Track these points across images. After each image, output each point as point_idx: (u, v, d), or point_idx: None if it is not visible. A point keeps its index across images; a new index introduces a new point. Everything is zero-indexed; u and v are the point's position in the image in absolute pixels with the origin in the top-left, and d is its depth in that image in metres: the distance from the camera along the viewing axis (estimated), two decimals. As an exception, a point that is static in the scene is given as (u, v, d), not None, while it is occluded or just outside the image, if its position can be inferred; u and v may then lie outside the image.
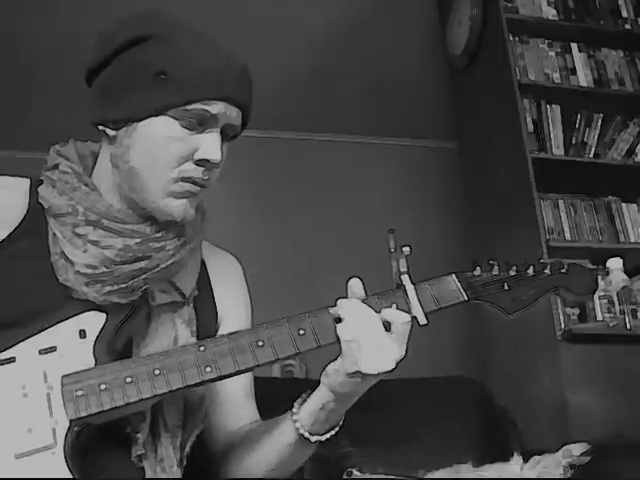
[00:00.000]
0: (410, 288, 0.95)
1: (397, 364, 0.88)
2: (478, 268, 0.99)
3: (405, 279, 0.95)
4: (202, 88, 0.91)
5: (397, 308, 0.93)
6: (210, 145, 0.93)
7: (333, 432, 0.96)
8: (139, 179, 0.93)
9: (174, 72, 0.91)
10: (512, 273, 0.99)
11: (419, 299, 0.94)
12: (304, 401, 0.96)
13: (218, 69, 0.93)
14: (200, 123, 0.92)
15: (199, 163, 0.94)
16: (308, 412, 0.94)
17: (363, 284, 0.95)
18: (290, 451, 0.97)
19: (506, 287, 0.98)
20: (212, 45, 0.95)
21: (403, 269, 0.96)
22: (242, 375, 1.01)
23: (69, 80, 3.19)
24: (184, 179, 0.93)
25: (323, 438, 0.95)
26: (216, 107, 0.92)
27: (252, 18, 3.05)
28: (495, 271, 0.99)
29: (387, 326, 0.90)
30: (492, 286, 0.98)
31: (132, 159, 0.93)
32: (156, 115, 0.92)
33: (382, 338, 0.89)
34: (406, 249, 0.96)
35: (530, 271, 0.99)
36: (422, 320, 0.93)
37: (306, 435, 0.94)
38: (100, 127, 0.96)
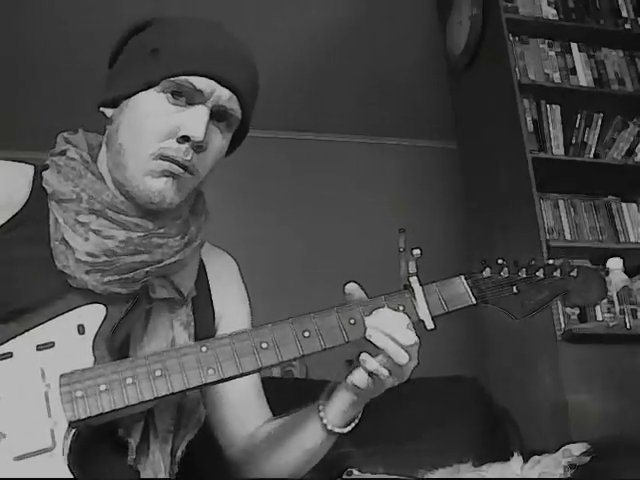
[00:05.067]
0: (418, 291, 0.92)
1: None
2: (488, 269, 0.96)
3: (414, 281, 0.93)
4: (188, 61, 0.90)
5: (404, 311, 0.91)
6: (193, 121, 0.90)
7: (356, 421, 0.96)
8: (124, 156, 0.92)
9: (165, 47, 0.91)
10: (522, 275, 0.96)
11: (427, 302, 0.92)
12: (328, 398, 0.95)
13: (210, 46, 0.92)
14: (188, 99, 0.91)
15: (180, 140, 0.90)
16: (335, 411, 0.94)
17: (360, 287, 0.93)
18: (317, 447, 0.97)
19: (515, 290, 0.95)
20: (213, 28, 0.95)
21: (412, 271, 0.93)
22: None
23: (70, 80, 3.21)
24: (163, 157, 0.90)
25: (349, 428, 0.96)
26: (202, 82, 0.90)
27: (252, 19, 3.04)
28: (504, 273, 0.96)
29: None
30: (501, 289, 0.95)
31: (121, 136, 0.93)
32: (145, 89, 0.91)
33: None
34: (417, 252, 0.93)
35: (540, 274, 0.97)
36: (429, 325, 0.91)
37: (335, 430, 0.94)
38: (101, 109, 0.96)
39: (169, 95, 0.91)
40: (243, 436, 1.05)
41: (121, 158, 0.93)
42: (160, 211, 0.94)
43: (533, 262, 0.98)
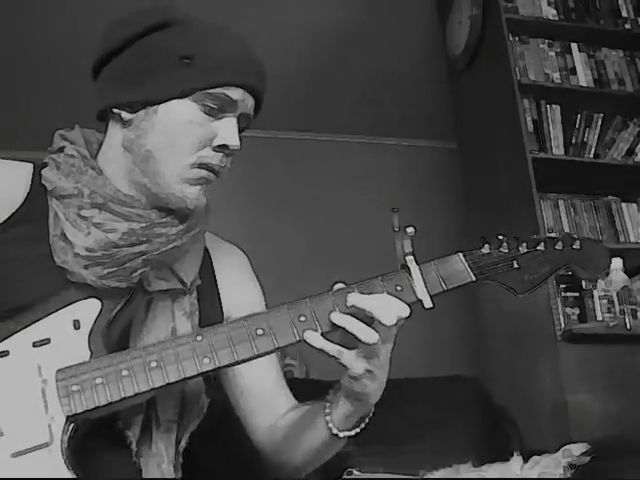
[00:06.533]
0: (415, 269, 0.90)
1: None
2: (487, 245, 0.94)
3: (409, 260, 0.91)
4: (226, 73, 0.93)
5: (401, 291, 0.89)
6: (228, 131, 0.94)
7: (362, 426, 0.95)
8: (155, 163, 0.93)
9: (199, 56, 0.93)
10: (522, 250, 0.94)
11: (424, 281, 0.90)
12: (335, 401, 0.94)
13: (240, 56, 0.95)
14: (220, 109, 0.94)
15: (217, 149, 0.94)
16: (340, 415, 0.94)
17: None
18: (324, 447, 0.98)
19: (516, 265, 0.93)
20: (232, 34, 0.98)
21: (407, 250, 0.92)
22: (268, 363, 1.04)
23: (70, 80, 3.20)
24: (201, 165, 0.94)
25: (352, 433, 0.95)
26: (236, 93, 0.94)
27: (252, 20, 3.04)
28: (504, 248, 0.94)
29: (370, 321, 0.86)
30: (501, 265, 0.93)
31: (149, 142, 0.93)
32: (179, 98, 0.92)
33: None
34: (410, 229, 0.92)
35: (541, 247, 0.95)
36: (427, 303, 0.89)
37: (340, 435, 0.94)
38: (115, 110, 0.95)
39: (203, 105, 0.93)
40: (266, 427, 1.06)
41: (151, 165, 0.94)
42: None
43: (534, 236, 0.96)
